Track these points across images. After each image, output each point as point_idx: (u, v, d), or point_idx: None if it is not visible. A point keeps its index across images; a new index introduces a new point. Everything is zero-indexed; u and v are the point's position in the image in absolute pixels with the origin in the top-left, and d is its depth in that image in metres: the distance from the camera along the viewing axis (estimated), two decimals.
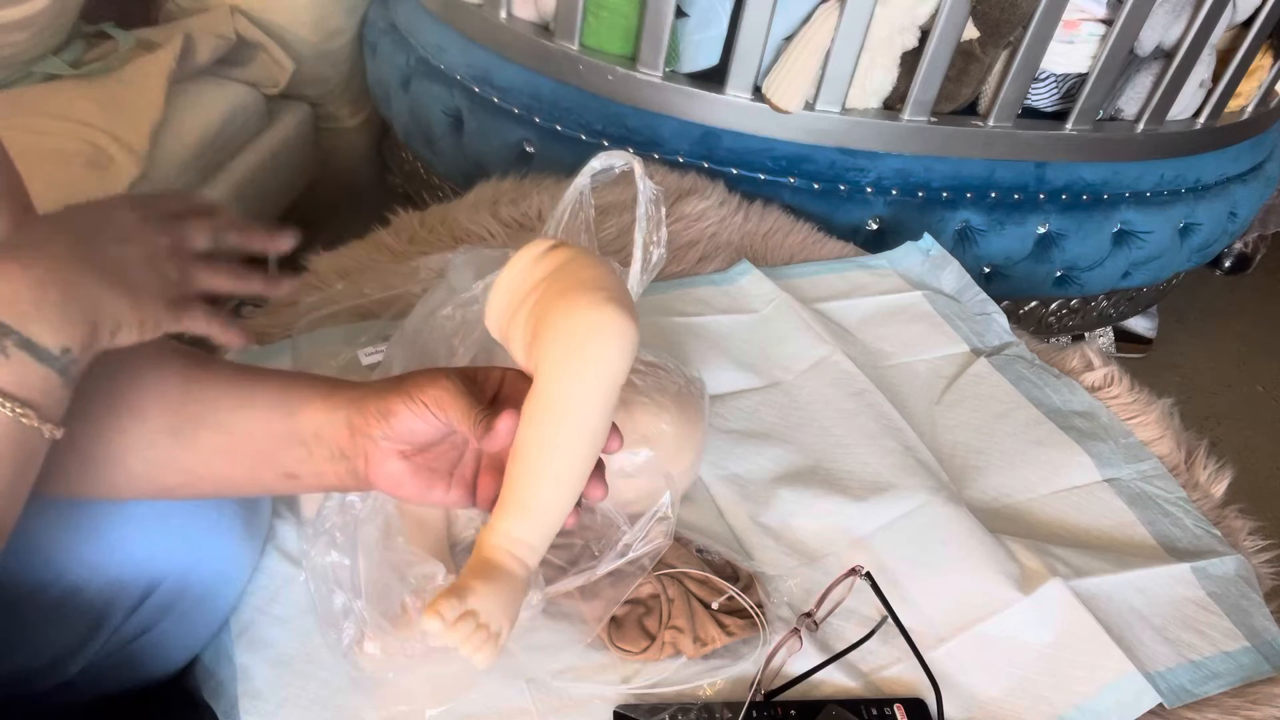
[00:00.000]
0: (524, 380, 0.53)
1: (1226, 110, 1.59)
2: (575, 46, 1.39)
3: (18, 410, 0.42)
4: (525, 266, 0.53)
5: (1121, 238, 1.57)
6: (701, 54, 1.36)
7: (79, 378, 0.45)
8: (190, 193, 0.50)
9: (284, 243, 0.55)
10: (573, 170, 0.67)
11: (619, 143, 1.40)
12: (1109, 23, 1.36)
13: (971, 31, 1.32)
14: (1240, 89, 1.59)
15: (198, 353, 0.58)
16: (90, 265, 0.45)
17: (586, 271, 0.52)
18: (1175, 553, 0.86)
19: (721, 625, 0.71)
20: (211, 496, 0.59)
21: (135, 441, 0.54)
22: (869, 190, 1.42)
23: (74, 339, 0.44)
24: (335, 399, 0.54)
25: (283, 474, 0.55)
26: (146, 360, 0.56)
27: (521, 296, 0.53)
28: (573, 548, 0.73)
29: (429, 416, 0.52)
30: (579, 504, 0.52)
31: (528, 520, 0.50)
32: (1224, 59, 1.53)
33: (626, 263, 0.65)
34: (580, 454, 0.50)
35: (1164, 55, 1.44)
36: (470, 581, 0.49)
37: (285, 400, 0.55)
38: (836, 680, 0.72)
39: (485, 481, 0.55)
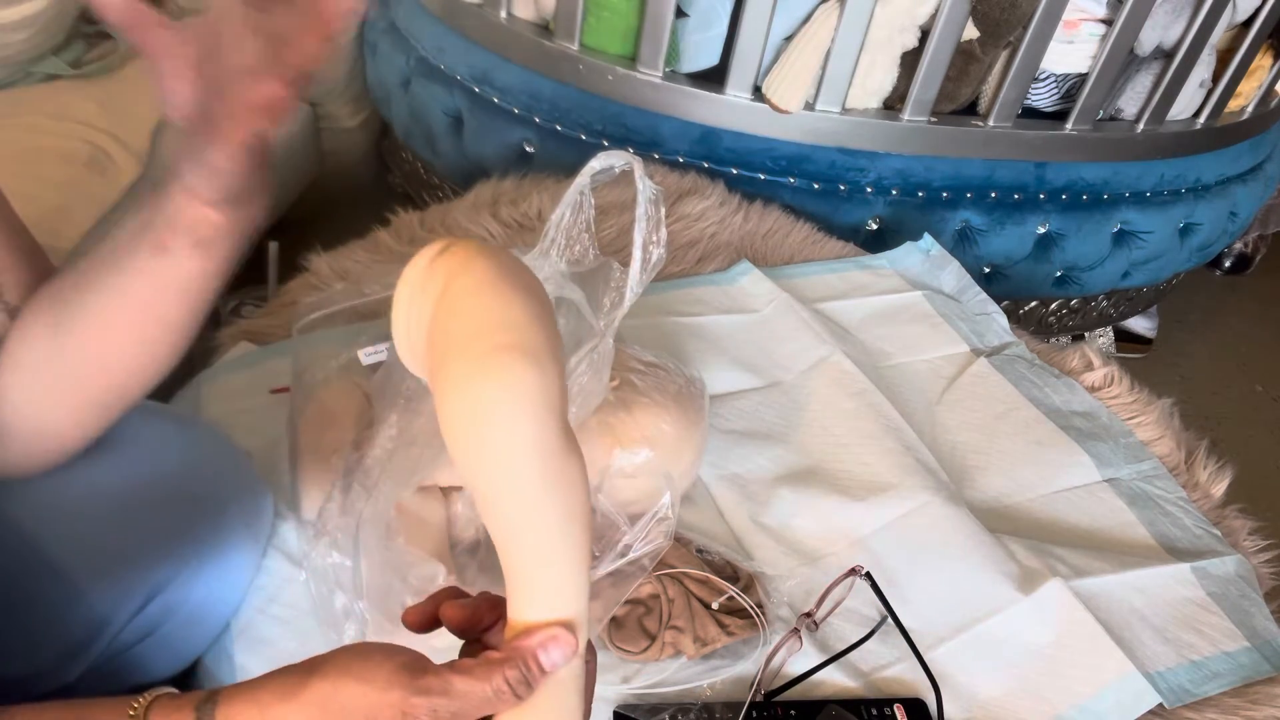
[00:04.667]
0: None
1: (1226, 110, 1.59)
2: (575, 46, 1.39)
3: None
4: (417, 284, 0.45)
5: (1121, 238, 1.57)
6: (701, 54, 1.35)
7: None
8: None
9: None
10: (573, 170, 0.67)
11: (619, 143, 1.40)
12: (1109, 23, 1.36)
13: (971, 31, 1.32)
14: (1240, 89, 1.59)
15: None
16: None
17: (471, 297, 0.43)
18: (1175, 553, 0.86)
19: (722, 625, 0.71)
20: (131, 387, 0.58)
21: (54, 339, 0.54)
22: (869, 190, 1.42)
23: None
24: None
25: (165, 324, 0.54)
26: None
27: (421, 330, 0.44)
28: None
29: None
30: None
31: (552, 605, 0.43)
32: (1224, 59, 1.53)
33: (626, 263, 0.65)
34: (544, 525, 0.43)
35: (1164, 55, 1.44)
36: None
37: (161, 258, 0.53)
38: (836, 680, 0.72)
39: None
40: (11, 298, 0.52)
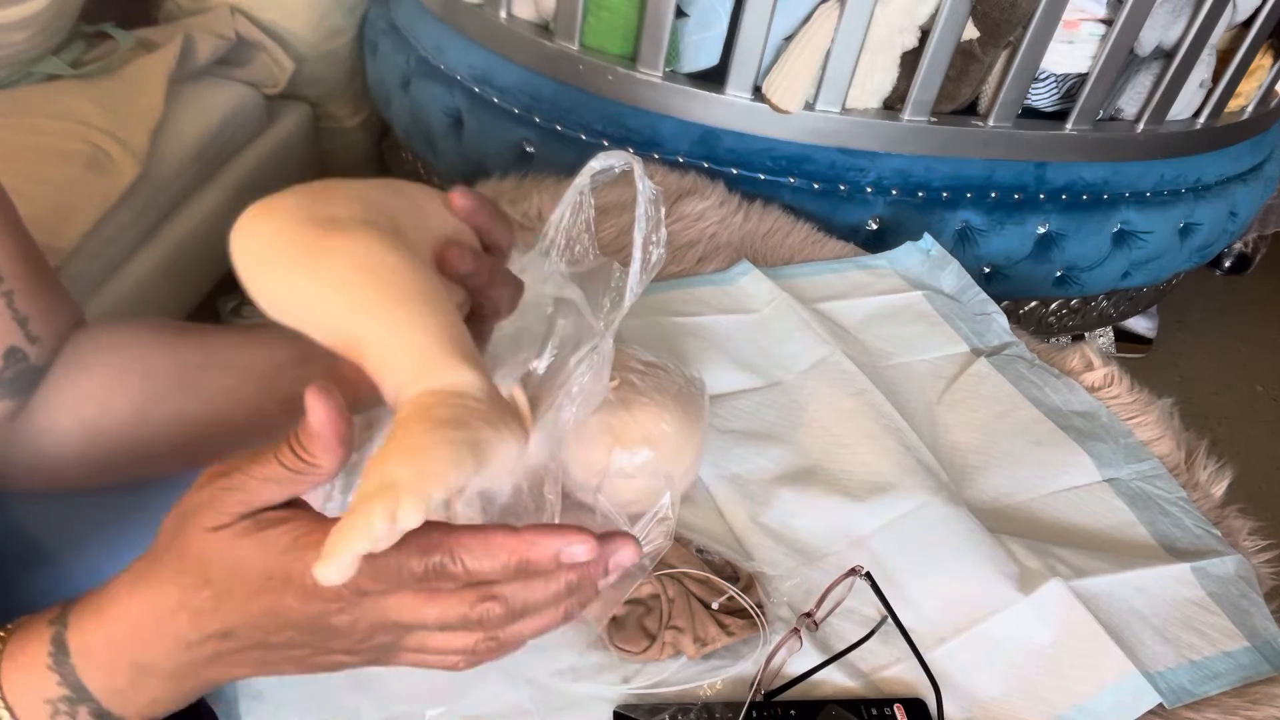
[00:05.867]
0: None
1: (1226, 110, 1.59)
2: (575, 46, 1.39)
3: None
4: None
5: (1121, 238, 1.57)
6: (701, 54, 1.36)
7: None
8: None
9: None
10: (573, 170, 0.66)
11: (619, 143, 1.40)
12: (1109, 23, 1.36)
13: (971, 31, 1.32)
14: (1240, 89, 1.59)
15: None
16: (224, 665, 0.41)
17: None
18: (1175, 553, 0.86)
19: (722, 625, 0.71)
20: (218, 452, 0.59)
21: (146, 402, 0.55)
22: (869, 190, 1.42)
23: None
24: None
25: (282, 401, 0.56)
26: (147, 326, 0.57)
27: None
28: None
29: None
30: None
31: (386, 359, 0.43)
32: (1224, 59, 1.53)
33: (626, 263, 0.65)
34: (331, 292, 0.43)
35: (1164, 55, 1.44)
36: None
37: (282, 329, 0.56)
38: (836, 680, 0.72)
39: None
40: (22, 307, 0.52)
